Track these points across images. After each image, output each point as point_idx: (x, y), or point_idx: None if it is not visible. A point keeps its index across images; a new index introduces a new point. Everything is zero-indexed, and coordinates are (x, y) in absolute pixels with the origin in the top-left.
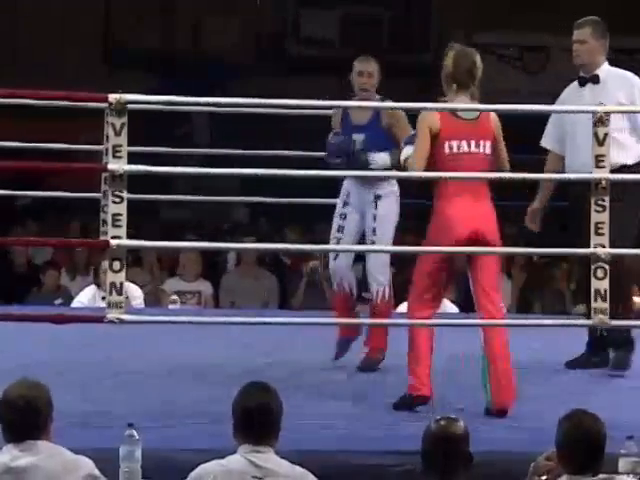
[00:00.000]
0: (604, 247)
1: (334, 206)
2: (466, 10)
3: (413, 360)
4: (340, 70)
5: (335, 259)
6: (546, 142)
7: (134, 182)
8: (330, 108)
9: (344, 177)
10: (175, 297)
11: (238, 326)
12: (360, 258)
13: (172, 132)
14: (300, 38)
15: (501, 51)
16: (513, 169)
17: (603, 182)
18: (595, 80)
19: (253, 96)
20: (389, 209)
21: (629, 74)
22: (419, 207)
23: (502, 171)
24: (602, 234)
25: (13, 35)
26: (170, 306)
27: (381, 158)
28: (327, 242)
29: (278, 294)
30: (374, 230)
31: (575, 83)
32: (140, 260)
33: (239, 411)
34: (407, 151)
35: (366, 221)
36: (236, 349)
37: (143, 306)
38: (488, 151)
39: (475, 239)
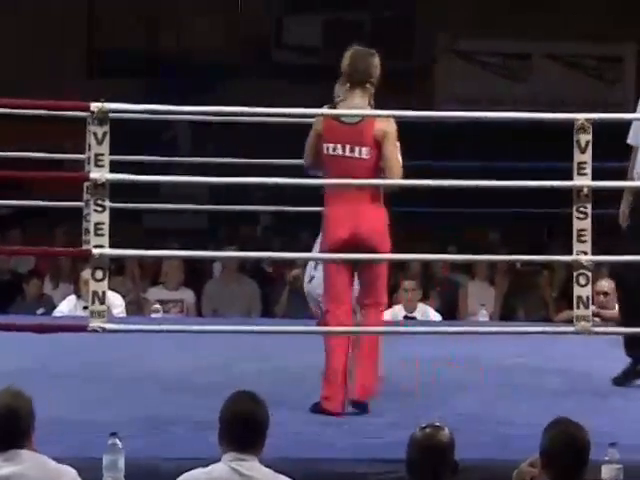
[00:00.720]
0: (586, 254)
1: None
2: (451, 16)
3: (329, 372)
4: (323, 76)
5: (310, 282)
6: (631, 139)
7: (116, 189)
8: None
9: None
10: (157, 306)
11: (221, 334)
12: None
13: (157, 137)
14: (283, 44)
15: (485, 58)
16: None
17: (585, 189)
18: None
19: (238, 98)
20: None
21: None
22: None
23: (388, 177)
24: (584, 241)
25: None
26: (153, 315)
27: None
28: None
29: (260, 302)
30: None
31: None
32: (122, 268)
33: (225, 419)
34: None
35: None
36: (219, 357)
37: (124, 315)
38: (365, 156)
39: (353, 243)
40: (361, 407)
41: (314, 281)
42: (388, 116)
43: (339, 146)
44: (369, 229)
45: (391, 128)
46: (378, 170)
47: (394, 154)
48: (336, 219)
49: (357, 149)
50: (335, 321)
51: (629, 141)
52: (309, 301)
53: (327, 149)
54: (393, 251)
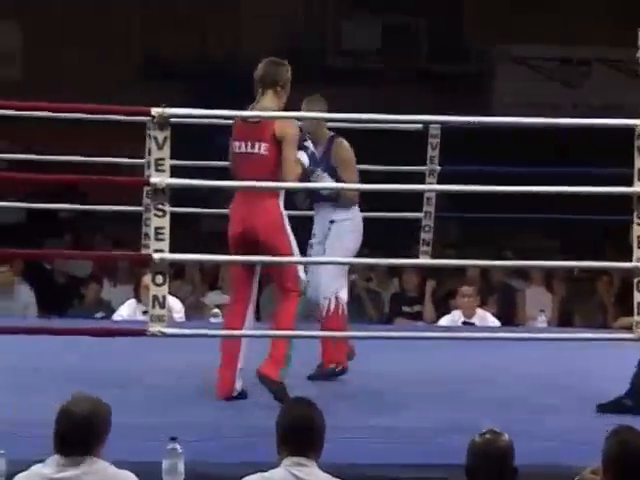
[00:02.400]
0: None
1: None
2: (504, 22)
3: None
4: (379, 80)
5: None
6: None
7: (174, 193)
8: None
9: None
10: (216, 310)
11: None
12: None
13: (214, 141)
14: (340, 48)
15: (539, 63)
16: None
17: None
18: None
19: (294, 103)
20: (341, 233)
21: None
22: (459, 221)
23: (286, 174)
24: None
25: (59, 51)
26: (211, 319)
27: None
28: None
29: None
30: (324, 252)
31: None
32: (182, 272)
33: (284, 425)
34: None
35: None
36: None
37: (184, 319)
38: (263, 152)
39: (246, 236)
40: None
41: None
42: (290, 118)
43: (243, 143)
44: (260, 223)
45: (291, 130)
46: (278, 166)
47: (290, 155)
48: (232, 215)
49: (257, 145)
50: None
51: None
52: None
53: (234, 147)
54: (452, 257)
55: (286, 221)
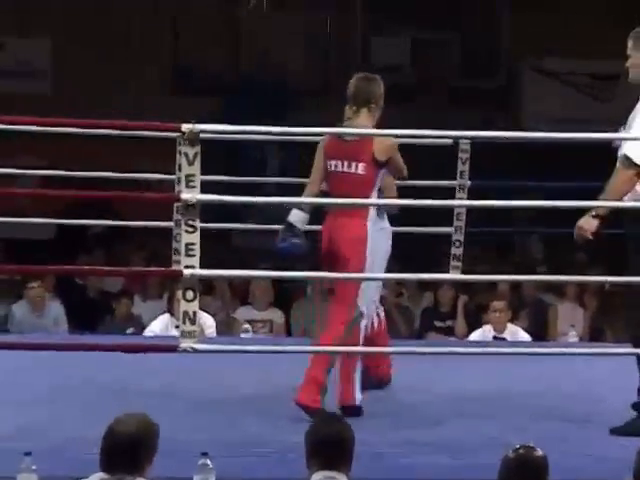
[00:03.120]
0: None
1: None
2: (537, 35)
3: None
4: (409, 96)
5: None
6: None
7: (204, 208)
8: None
9: None
10: (247, 326)
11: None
12: None
13: (246, 157)
14: (370, 63)
15: (570, 78)
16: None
17: None
18: None
19: (323, 119)
20: (376, 247)
21: None
22: (489, 236)
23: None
24: None
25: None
26: (242, 335)
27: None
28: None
29: None
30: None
31: None
32: (212, 288)
33: (313, 440)
34: None
35: None
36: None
37: (215, 335)
38: (361, 172)
39: (330, 253)
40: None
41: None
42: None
43: (339, 162)
44: (344, 238)
45: (394, 148)
46: (373, 186)
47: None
48: (323, 232)
49: (354, 165)
50: None
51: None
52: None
53: (329, 165)
54: (485, 272)
55: (370, 244)
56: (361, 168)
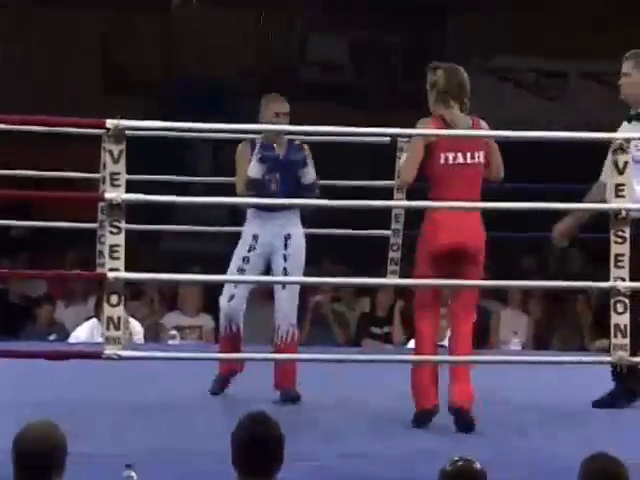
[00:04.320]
0: (624, 280)
1: (342, 238)
2: (483, 34)
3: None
4: (349, 96)
5: (230, 301)
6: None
7: (133, 210)
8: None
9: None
10: (174, 332)
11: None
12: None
13: (177, 158)
14: (307, 62)
15: (518, 76)
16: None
17: (623, 212)
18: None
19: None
20: (299, 248)
21: None
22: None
23: (496, 179)
24: (622, 267)
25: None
26: (169, 342)
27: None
28: (335, 275)
29: None
30: (285, 270)
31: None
32: (140, 293)
33: (237, 442)
34: (403, 158)
35: (274, 262)
36: (238, 386)
37: (143, 341)
38: (482, 160)
39: (457, 250)
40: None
41: (283, 300)
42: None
43: (459, 154)
44: (475, 238)
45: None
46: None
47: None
48: (444, 224)
49: (476, 155)
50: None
51: (602, 179)
52: (222, 321)
53: (445, 158)
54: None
55: None
56: (482, 156)
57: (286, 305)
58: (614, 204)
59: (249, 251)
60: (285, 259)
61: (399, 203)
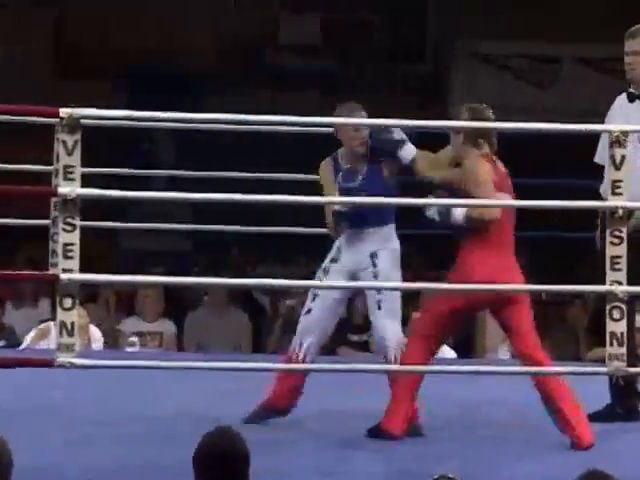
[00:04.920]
0: (621, 284)
1: (314, 237)
2: (469, 16)
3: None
4: (322, 81)
5: (307, 313)
6: (600, 158)
7: (89, 206)
8: (315, 125)
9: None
10: (134, 339)
11: (205, 371)
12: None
13: (135, 149)
14: (279, 46)
15: (507, 62)
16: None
17: (620, 211)
18: None
19: (224, 106)
20: (391, 264)
21: None
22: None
23: None
24: (619, 269)
25: None
26: (128, 349)
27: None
28: (308, 277)
29: (251, 336)
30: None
31: (623, 97)
32: (96, 296)
33: (199, 459)
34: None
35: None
36: (203, 398)
37: (102, 348)
38: None
39: (499, 301)
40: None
41: (382, 321)
42: None
43: (507, 196)
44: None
45: None
46: None
47: None
48: (493, 271)
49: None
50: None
51: (596, 159)
52: (297, 336)
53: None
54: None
55: None
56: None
57: (389, 328)
58: (611, 202)
59: (330, 262)
60: (376, 277)
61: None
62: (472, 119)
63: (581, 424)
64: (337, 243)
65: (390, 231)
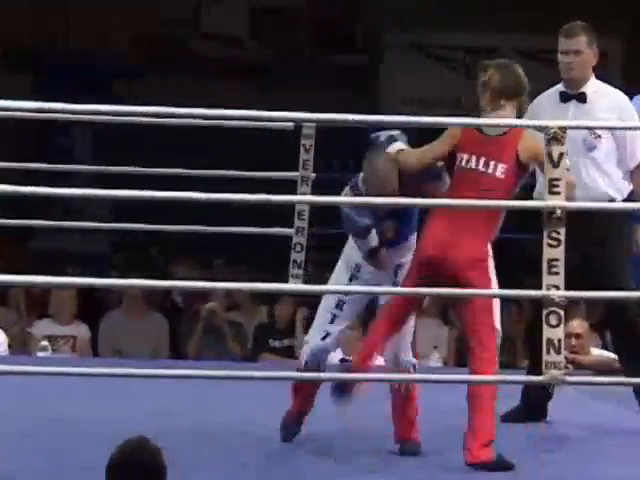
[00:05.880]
0: (558, 289)
1: (236, 237)
2: (402, 6)
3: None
4: (248, 71)
5: (324, 339)
6: None
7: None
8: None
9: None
10: (45, 343)
11: (121, 378)
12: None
13: (50, 143)
14: (202, 35)
15: (443, 54)
16: None
17: (558, 211)
18: (582, 99)
19: (143, 99)
20: None
21: (620, 95)
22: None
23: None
24: (556, 273)
25: None
26: (39, 353)
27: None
28: (227, 279)
29: (169, 340)
30: None
31: (554, 95)
32: (4, 297)
33: (112, 472)
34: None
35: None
36: (118, 406)
37: (7, 353)
38: (499, 174)
39: (437, 265)
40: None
41: (328, 339)
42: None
43: (473, 158)
44: (464, 254)
45: (539, 145)
46: (510, 193)
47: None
48: (430, 236)
49: (492, 165)
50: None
51: None
52: (309, 360)
53: (460, 160)
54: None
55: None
56: (500, 171)
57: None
58: (549, 201)
59: (350, 280)
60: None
61: (303, 198)
62: (499, 78)
63: (479, 441)
64: (352, 257)
65: (414, 240)
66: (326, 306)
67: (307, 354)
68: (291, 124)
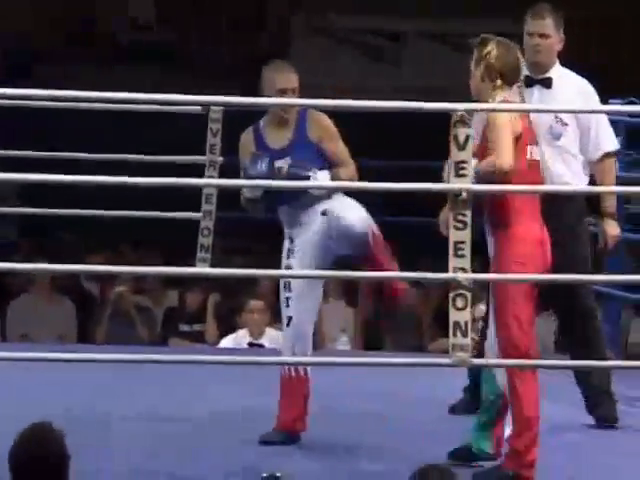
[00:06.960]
0: (465, 271)
1: (146, 221)
2: None
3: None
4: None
5: (288, 324)
6: None
7: None
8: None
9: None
10: None
11: (28, 363)
12: None
13: None
14: (111, 18)
15: (355, 38)
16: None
17: (464, 194)
18: (547, 84)
19: (52, 83)
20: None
21: (585, 82)
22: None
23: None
24: (463, 255)
25: None
26: None
27: (324, 177)
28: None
29: (76, 325)
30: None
31: None
32: None
33: (14, 461)
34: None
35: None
36: (26, 393)
37: None
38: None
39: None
40: None
41: (292, 323)
42: None
43: (535, 148)
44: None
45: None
46: None
47: None
48: (539, 241)
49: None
50: None
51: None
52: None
53: (530, 153)
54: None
55: None
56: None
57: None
58: (455, 184)
59: (289, 257)
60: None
61: (211, 181)
62: (498, 56)
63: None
64: (287, 232)
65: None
66: (281, 293)
67: (287, 348)
68: (200, 108)
